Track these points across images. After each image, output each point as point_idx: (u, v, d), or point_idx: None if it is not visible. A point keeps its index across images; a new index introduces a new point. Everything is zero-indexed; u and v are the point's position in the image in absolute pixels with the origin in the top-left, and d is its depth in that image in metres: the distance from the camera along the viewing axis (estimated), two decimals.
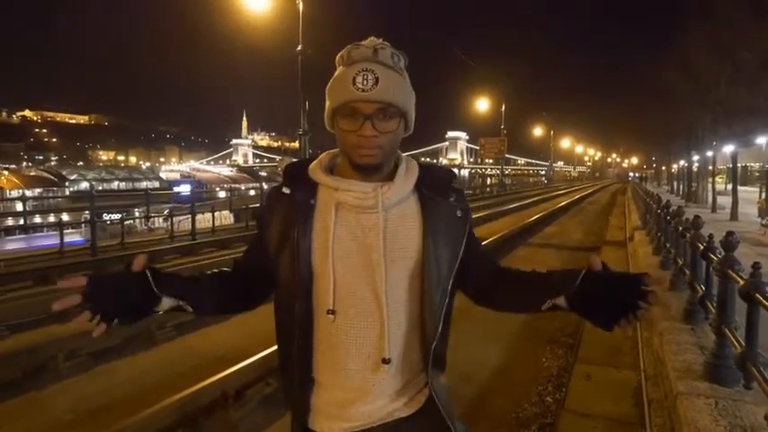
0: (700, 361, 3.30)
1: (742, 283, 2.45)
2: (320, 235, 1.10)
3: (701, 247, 3.74)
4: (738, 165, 24.78)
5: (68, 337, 4.87)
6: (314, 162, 1.19)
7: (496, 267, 1.28)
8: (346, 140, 1.08)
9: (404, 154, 1.21)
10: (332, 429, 1.13)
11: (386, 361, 1.09)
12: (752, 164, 45.74)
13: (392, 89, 1.07)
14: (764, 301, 2.17)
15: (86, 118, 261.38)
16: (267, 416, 3.69)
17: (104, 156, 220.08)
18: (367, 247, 1.09)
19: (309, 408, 1.14)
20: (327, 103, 1.12)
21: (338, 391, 1.13)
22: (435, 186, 1.18)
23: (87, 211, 12.57)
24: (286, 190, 1.15)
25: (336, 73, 1.11)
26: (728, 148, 25.98)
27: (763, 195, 20.24)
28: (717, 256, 3.28)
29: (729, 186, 31.58)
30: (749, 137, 25.62)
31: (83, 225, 14.34)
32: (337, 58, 1.12)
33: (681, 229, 5.09)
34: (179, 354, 5.09)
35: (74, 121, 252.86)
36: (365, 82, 1.05)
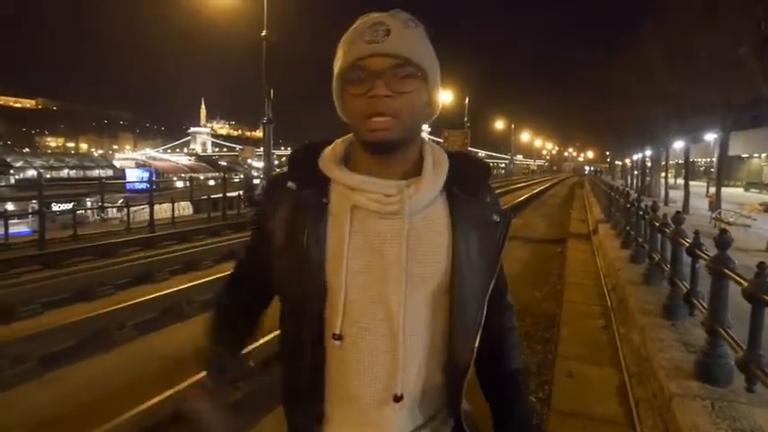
0: (688, 359, 3.26)
1: (746, 284, 2.37)
2: (334, 243, 0.90)
3: (687, 244, 3.71)
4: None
5: (14, 341, 4.47)
6: (327, 149, 0.98)
7: (497, 314, 1.06)
8: (356, 110, 0.88)
9: None
10: None
11: (397, 398, 0.91)
12: (698, 159, 47.94)
13: (407, 41, 0.89)
14: None
15: (33, 102, 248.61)
16: (237, 424, 3.45)
17: (53, 142, 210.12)
18: (385, 260, 0.90)
19: None
20: (334, 78, 0.93)
21: (351, 427, 0.95)
22: (468, 184, 0.99)
23: (35, 201, 11.76)
24: (291, 185, 0.95)
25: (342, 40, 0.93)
26: (679, 144, 27.04)
27: (712, 190, 21.13)
28: (706, 254, 3.24)
29: (678, 181, 32.90)
30: (698, 133, 26.73)
31: (30, 215, 13.50)
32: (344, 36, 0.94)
33: (658, 224, 5.10)
34: (141, 356, 4.74)
35: (19, 105, 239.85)
36: (374, 34, 0.87)
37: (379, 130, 0.87)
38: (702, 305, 3.32)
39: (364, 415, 0.94)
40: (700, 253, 3.38)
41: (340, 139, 1.01)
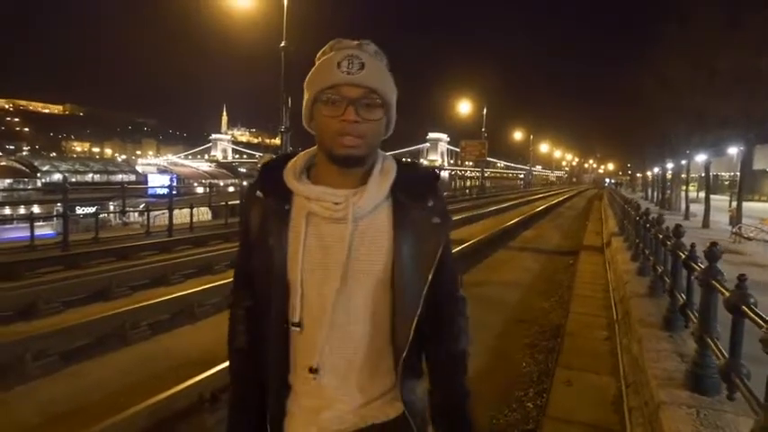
0: (680, 369, 3.32)
1: (728, 294, 2.45)
2: (293, 245, 1.08)
3: (683, 256, 3.77)
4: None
5: (37, 336, 4.71)
6: (290, 162, 1.16)
7: (445, 305, 1.19)
8: (327, 128, 1.05)
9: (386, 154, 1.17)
10: None
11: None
12: (722, 173, 47.06)
13: (378, 76, 1.07)
14: (751, 314, 2.17)
15: (60, 108, 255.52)
16: None
17: (79, 147, 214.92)
18: (331, 259, 1.08)
19: (285, 412, 1.15)
20: (307, 95, 1.09)
21: (310, 398, 1.13)
22: (413, 190, 1.13)
23: (60, 204, 12.19)
24: (259, 194, 1.13)
25: (317, 63, 1.09)
26: (701, 157, 26.63)
27: (734, 204, 20.76)
28: (699, 266, 3.31)
29: (701, 194, 32.35)
30: (721, 146, 26.29)
31: (54, 218, 13.96)
32: (318, 54, 1.10)
33: (661, 237, 5.15)
34: (153, 355, 4.94)
35: (47, 111, 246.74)
36: (351, 66, 1.03)
37: (349, 147, 1.04)
38: (695, 316, 3.38)
39: (319, 387, 1.11)
40: (693, 265, 3.44)
41: (303, 153, 1.18)
